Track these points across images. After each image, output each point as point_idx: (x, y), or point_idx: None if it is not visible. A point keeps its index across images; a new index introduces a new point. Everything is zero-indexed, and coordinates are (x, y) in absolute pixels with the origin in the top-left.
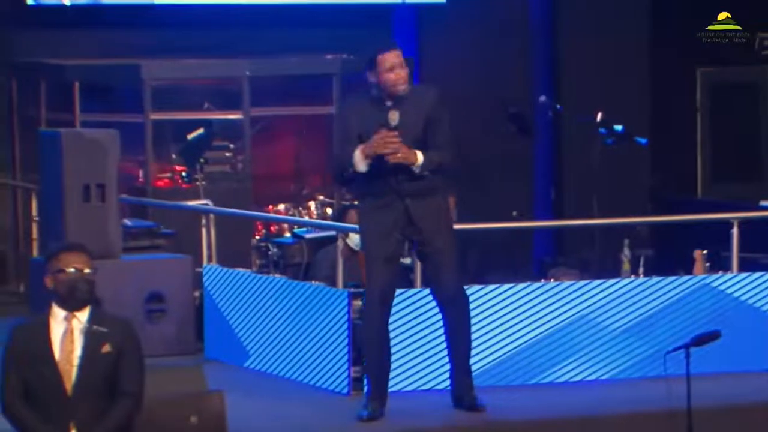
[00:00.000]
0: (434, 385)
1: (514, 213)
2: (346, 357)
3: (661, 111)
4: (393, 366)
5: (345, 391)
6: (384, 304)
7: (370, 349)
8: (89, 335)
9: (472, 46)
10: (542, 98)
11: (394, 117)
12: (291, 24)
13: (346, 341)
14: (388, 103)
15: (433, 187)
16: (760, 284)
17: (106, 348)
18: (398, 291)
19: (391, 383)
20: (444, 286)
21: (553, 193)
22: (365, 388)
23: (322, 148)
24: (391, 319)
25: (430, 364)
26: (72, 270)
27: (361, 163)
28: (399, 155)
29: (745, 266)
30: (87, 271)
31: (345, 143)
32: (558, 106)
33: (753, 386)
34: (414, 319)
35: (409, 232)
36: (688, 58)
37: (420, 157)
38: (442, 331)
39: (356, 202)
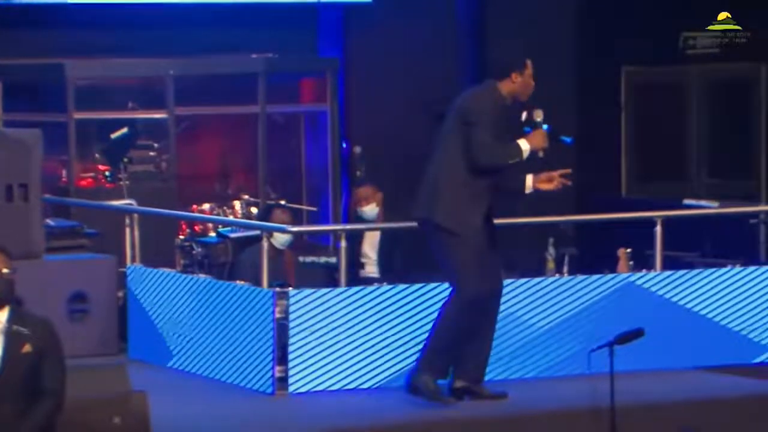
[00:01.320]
0: (359, 385)
1: None
2: (270, 357)
3: (586, 110)
4: (323, 365)
5: (269, 390)
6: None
7: (460, 336)
8: (9, 336)
9: (399, 45)
10: None
11: (539, 114)
12: (216, 23)
13: (271, 341)
14: (507, 102)
15: None
16: (683, 282)
17: (27, 348)
18: (326, 291)
19: (317, 383)
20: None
21: None
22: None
23: (247, 147)
24: (321, 319)
25: (355, 363)
26: None
27: (526, 153)
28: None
29: (669, 264)
30: (5, 271)
31: (490, 130)
32: None
33: (677, 384)
34: (342, 317)
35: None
36: (613, 58)
37: None
38: (364, 330)
39: (283, 202)
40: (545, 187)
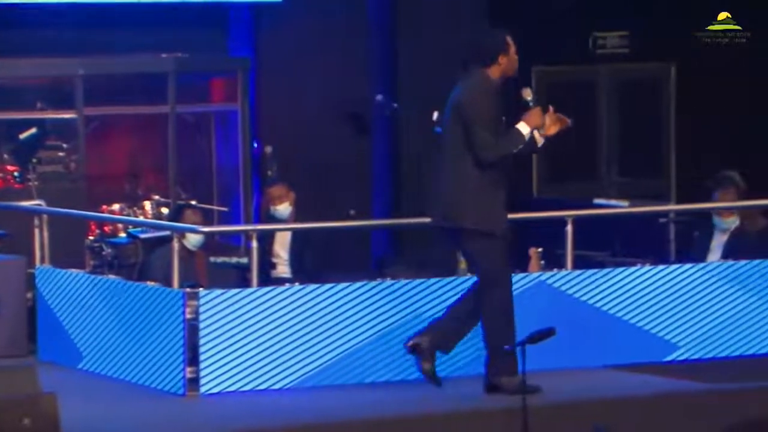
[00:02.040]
0: (271, 385)
1: (352, 212)
2: (181, 357)
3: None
4: (234, 366)
5: (180, 391)
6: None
7: (509, 327)
8: None
9: (310, 45)
10: (379, 97)
11: (528, 93)
12: (126, 23)
13: (182, 342)
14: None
15: None
16: (594, 281)
17: None
18: (237, 291)
19: (229, 383)
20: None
21: (390, 191)
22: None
23: (157, 147)
24: (232, 320)
25: (268, 363)
26: None
27: (527, 136)
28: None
29: (580, 264)
30: None
31: (489, 124)
32: (394, 105)
33: (588, 382)
34: (253, 318)
35: None
36: (523, 57)
37: None
38: (279, 330)
39: (194, 202)
40: (554, 130)
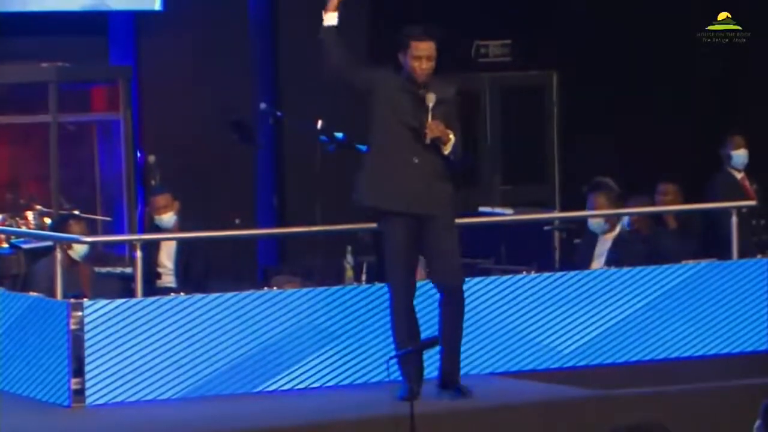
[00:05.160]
0: (158, 396)
1: (237, 220)
2: (66, 369)
3: None
4: (120, 377)
5: (66, 403)
6: (412, 286)
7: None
8: None
9: (192, 52)
10: (262, 105)
11: (431, 98)
12: (5, 31)
13: (66, 353)
14: (421, 91)
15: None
16: (479, 289)
17: None
18: (122, 302)
19: (115, 394)
20: (448, 274)
21: (275, 200)
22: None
23: (39, 157)
24: (117, 330)
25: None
26: None
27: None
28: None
29: (465, 271)
30: None
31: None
32: (278, 113)
33: (474, 390)
34: (138, 328)
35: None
36: None
37: (452, 139)
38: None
39: (76, 212)
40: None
